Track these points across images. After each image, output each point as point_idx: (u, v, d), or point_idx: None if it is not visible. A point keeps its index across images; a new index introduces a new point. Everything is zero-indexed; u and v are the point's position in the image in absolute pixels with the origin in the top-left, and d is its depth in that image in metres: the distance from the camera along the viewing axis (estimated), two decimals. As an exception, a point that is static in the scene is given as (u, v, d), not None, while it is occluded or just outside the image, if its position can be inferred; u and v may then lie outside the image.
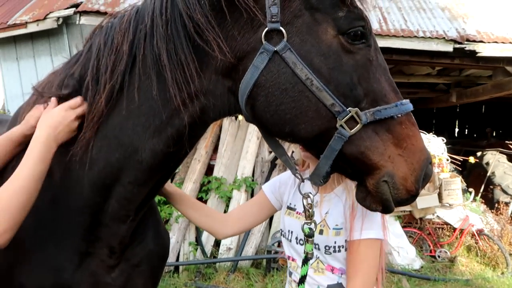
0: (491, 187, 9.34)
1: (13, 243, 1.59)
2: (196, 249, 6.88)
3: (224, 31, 1.43)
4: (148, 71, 1.49)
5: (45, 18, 7.51)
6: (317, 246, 1.95)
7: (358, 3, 1.45)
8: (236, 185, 7.23)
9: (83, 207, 1.63)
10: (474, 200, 8.36)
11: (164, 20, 1.46)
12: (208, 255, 6.94)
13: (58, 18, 7.49)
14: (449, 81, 10.69)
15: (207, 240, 7.10)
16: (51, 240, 1.62)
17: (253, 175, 7.52)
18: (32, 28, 7.61)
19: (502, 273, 6.87)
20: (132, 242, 1.79)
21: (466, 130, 18.55)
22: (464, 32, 7.05)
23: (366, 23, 1.44)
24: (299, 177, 1.66)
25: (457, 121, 18.57)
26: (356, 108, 1.38)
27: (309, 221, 1.65)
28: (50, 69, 7.19)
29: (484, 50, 6.94)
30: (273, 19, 1.38)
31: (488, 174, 9.45)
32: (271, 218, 7.36)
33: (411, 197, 1.45)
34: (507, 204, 8.19)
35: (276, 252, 6.59)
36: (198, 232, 7.06)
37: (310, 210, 1.65)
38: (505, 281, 6.56)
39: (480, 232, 7.34)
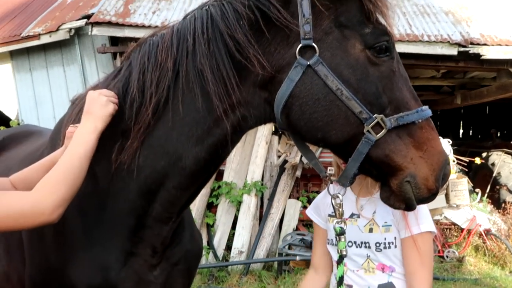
0: (497, 187, 9.40)
1: (64, 244, 1.73)
2: (208, 253, 7.00)
3: (262, 48, 1.58)
4: (191, 85, 1.62)
5: (57, 30, 7.70)
6: (367, 245, 2.08)
7: (382, 20, 1.60)
8: (246, 189, 7.36)
9: (129, 210, 1.74)
10: (481, 200, 8.44)
11: (206, 39, 1.60)
12: (220, 259, 7.06)
13: (70, 29, 7.67)
14: (453, 83, 10.80)
15: (219, 244, 7.22)
16: (99, 242, 1.74)
17: (262, 179, 7.65)
18: (45, 39, 7.78)
19: (510, 271, 6.95)
20: (172, 242, 1.91)
21: (471, 131, 18.61)
22: (468, 35, 7.17)
23: (390, 38, 1.60)
24: (328, 178, 1.79)
25: (461, 123, 18.64)
26: (381, 115, 1.52)
27: (339, 220, 1.78)
28: (62, 79, 7.31)
29: (488, 53, 7.06)
30: (306, 36, 1.53)
31: (494, 174, 9.51)
32: (281, 221, 7.49)
33: (432, 196, 1.59)
34: (513, 204, 8.27)
35: (288, 255, 6.71)
36: (210, 236, 7.19)
37: (340, 210, 1.78)
38: (513, 279, 6.66)
39: (487, 232, 7.42)
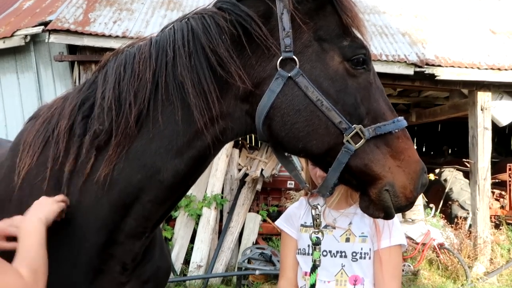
0: (450, 202, 9.74)
1: None
2: (166, 268, 6.86)
3: (243, 61, 1.60)
4: (171, 97, 1.60)
5: (12, 36, 7.41)
6: (343, 254, 2.10)
7: (359, 35, 1.65)
8: (206, 202, 7.29)
9: (100, 226, 1.66)
10: (434, 215, 8.70)
11: (187, 52, 1.59)
12: (178, 273, 6.93)
13: (26, 35, 7.40)
14: (408, 101, 11.18)
15: (177, 258, 7.09)
16: (66, 259, 1.65)
17: (222, 193, 7.60)
18: (-2, 45, 7.48)
19: (462, 285, 7.17)
20: (143, 259, 1.84)
21: (424, 148, 19.24)
22: (423, 56, 7.45)
23: (367, 51, 1.64)
24: (308, 189, 1.80)
25: (415, 139, 19.24)
26: (360, 125, 1.56)
27: (316, 230, 1.79)
28: (16, 87, 7.00)
29: (442, 74, 7.35)
30: (286, 49, 1.56)
31: (446, 190, 9.85)
32: (240, 235, 7.45)
33: (410, 204, 1.62)
34: (465, 218, 8.55)
35: (247, 269, 6.67)
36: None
37: (317, 220, 1.79)
38: (465, 292, 6.87)
39: (440, 246, 7.64)
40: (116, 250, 1.72)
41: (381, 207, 1.61)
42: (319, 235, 1.79)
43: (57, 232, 1.65)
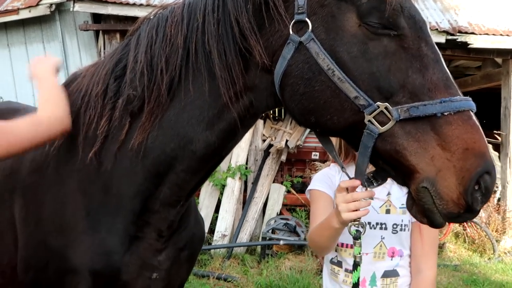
0: (478, 175, 9.53)
1: (65, 227, 1.69)
2: (191, 236, 6.94)
3: (264, 32, 1.49)
4: (200, 66, 1.55)
5: (37, 5, 7.45)
6: (384, 226, 2.03)
7: None
8: (230, 173, 7.30)
9: (135, 193, 1.67)
10: (462, 188, 8.54)
11: (216, 18, 1.51)
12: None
13: (51, 4, 7.43)
14: (438, 71, 10.85)
15: (202, 227, 7.16)
16: (103, 225, 1.68)
17: (246, 163, 7.60)
18: (24, 14, 7.53)
19: (489, 258, 7.09)
20: (179, 227, 1.84)
21: (452, 119, 18.84)
22: (456, 23, 7.16)
23: (393, 8, 1.33)
24: (348, 174, 1.61)
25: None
26: (386, 103, 1.30)
27: (356, 222, 1.58)
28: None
29: (476, 42, 7.07)
30: (299, 11, 1.40)
31: (475, 163, 9.63)
32: (264, 206, 7.47)
33: (464, 213, 1.27)
34: (494, 192, 8.39)
35: (271, 239, 6.70)
36: (193, 219, 7.12)
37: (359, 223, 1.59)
38: (492, 266, 6.77)
39: (468, 219, 7.52)
40: (151, 218, 1.73)
41: (421, 209, 1.32)
42: (359, 227, 1.58)
43: (92, 199, 1.69)
